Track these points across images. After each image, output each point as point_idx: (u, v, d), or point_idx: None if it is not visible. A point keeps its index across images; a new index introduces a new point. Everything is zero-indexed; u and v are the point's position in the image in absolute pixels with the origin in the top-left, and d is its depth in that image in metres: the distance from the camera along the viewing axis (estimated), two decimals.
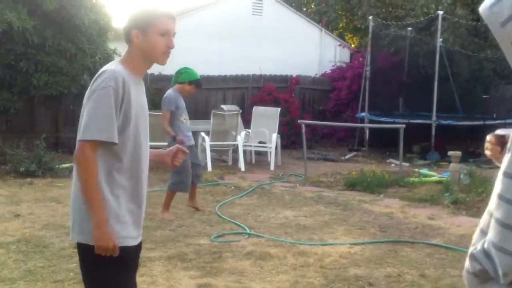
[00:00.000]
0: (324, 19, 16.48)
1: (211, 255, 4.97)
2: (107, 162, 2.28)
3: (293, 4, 17.21)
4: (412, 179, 9.06)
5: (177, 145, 2.70)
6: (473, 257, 1.51)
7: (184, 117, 6.42)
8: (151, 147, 2.57)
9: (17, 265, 4.55)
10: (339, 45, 15.38)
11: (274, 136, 10.39)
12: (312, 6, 19.42)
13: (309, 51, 14.64)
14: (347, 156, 11.95)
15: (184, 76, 6.44)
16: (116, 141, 2.24)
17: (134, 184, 2.37)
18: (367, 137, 12.83)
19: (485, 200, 6.34)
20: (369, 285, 4.35)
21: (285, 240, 5.48)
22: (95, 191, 2.22)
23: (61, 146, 10.36)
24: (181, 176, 6.21)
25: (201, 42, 12.67)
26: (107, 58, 9.59)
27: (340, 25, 18.65)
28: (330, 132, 14.00)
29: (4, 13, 8.52)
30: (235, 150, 10.29)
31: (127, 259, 2.38)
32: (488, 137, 1.77)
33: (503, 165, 1.44)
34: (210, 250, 5.11)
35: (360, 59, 14.33)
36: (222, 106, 11.69)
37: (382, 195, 8.00)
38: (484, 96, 12.87)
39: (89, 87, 2.32)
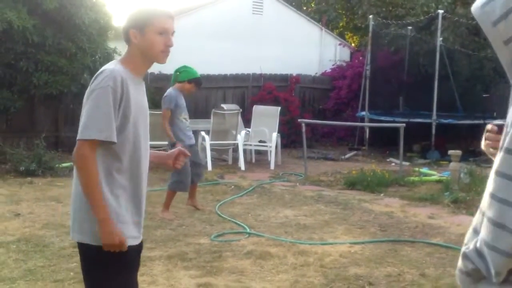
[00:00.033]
0: (324, 18, 16.47)
1: (211, 254, 4.97)
2: (106, 162, 2.28)
3: (293, 3, 17.21)
4: (412, 178, 9.06)
5: (179, 147, 2.69)
6: (465, 256, 1.51)
7: (184, 116, 6.41)
8: (151, 146, 2.57)
9: (17, 265, 4.55)
10: (339, 44, 15.38)
11: (274, 135, 10.39)
12: (312, 5, 19.41)
13: (309, 50, 14.64)
14: (347, 155, 11.95)
15: (184, 75, 6.43)
16: (115, 140, 2.24)
17: (134, 184, 2.37)
18: (367, 136, 12.83)
19: None
20: (369, 284, 4.35)
21: (285, 240, 5.48)
22: (96, 190, 2.22)
23: (61, 145, 10.36)
24: (180, 176, 6.21)
25: (201, 41, 12.66)
26: (107, 57, 9.59)
27: (340, 24, 18.65)
28: (330, 131, 14.00)
29: (4, 12, 8.51)
30: (235, 149, 10.29)
31: (128, 259, 2.38)
32: (490, 127, 1.74)
33: (495, 164, 1.44)
34: (210, 250, 5.11)
35: (360, 58, 14.32)
36: (222, 105, 11.69)
37: (382, 194, 8.00)
38: (484, 95, 12.85)
39: (88, 87, 2.32)
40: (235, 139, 10.17)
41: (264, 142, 10.69)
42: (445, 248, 5.34)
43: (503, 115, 1.55)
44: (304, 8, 19.05)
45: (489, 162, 1.58)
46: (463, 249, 1.53)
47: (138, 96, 2.38)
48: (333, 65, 14.80)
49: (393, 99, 13.59)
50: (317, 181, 9.01)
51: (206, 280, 4.33)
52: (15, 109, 9.42)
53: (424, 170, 9.97)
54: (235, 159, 10.32)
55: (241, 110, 10.96)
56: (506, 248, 1.37)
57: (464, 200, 7.28)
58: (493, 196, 1.41)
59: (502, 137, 1.47)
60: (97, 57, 9.76)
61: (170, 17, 2.37)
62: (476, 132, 11.05)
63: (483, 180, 7.73)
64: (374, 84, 12.94)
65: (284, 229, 5.92)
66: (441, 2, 14.17)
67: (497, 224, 1.38)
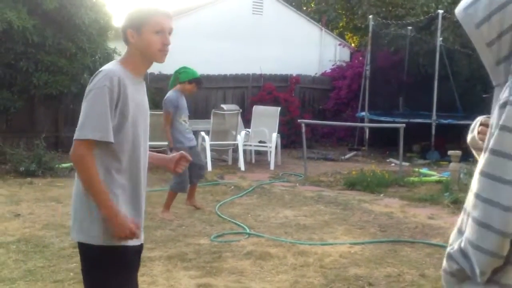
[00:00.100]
0: (324, 18, 16.47)
1: (211, 255, 4.97)
2: (105, 161, 2.29)
3: (293, 3, 17.21)
4: (412, 178, 9.06)
5: (181, 151, 2.70)
6: (450, 257, 1.52)
7: (183, 118, 6.41)
8: (151, 147, 2.58)
9: (17, 265, 4.55)
10: (339, 44, 15.38)
11: (274, 135, 10.39)
12: (312, 5, 19.42)
13: (309, 50, 14.64)
14: (347, 156, 11.95)
15: (184, 76, 6.43)
16: (111, 140, 2.24)
17: (133, 184, 2.38)
18: (367, 136, 12.83)
19: None
20: (369, 285, 4.35)
21: (285, 240, 5.48)
22: (97, 186, 2.23)
23: (61, 146, 10.35)
24: (181, 177, 6.21)
25: (201, 42, 12.66)
26: (107, 57, 9.59)
27: (340, 24, 18.65)
28: (330, 131, 14.00)
29: (4, 12, 8.51)
30: (235, 149, 10.29)
31: (128, 259, 2.39)
32: (484, 119, 1.75)
33: (480, 164, 1.45)
34: (210, 250, 5.11)
35: (360, 58, 14.32)
36: (222, 105, 11.70)
37: (382, 195, 8.00)
38: (484, 95, 12.84)
39: (87, 87, 2.33)
40: (235, 139, 10.17)
41: (264, 142, 10.69)
42: (445, 248, 5.31)
43: None
44: (304, 8, 19.05)
45: None
46: (448, 249, 1.55)
47: (138, 96, 2.38)
48: (333, 65, 14.80)
49: (393, 99, 13.60)
50: (317, 181, 9.01)
51: (206, 280, 4.33)
52: (15, 109, 9.42)
53: (424, 170, 9.97)
54: (235, 160, 10.32)
55: (241, 110, 10.96)
56: (491, 248, 1.39)
57: (464, 200, 7.22)
58: (478, 196, 1.42)
59: (487, 137, 1.49)
60: (97, 57, 9.76)
61: (167, 16, 2.36)
62: None
63: None
64: (374, 84, 12.94)
65: (284, 230, 5.93)
66: (441, 2, 14.17)
67: (482, 224, 1.40)
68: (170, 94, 6.40)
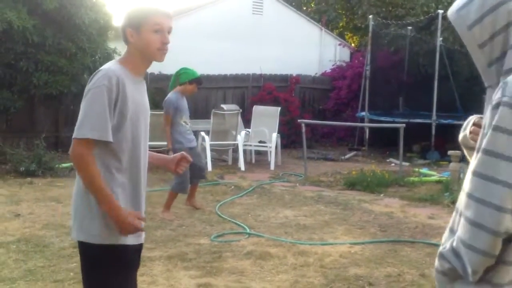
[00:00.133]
0: (324, 18, 16.48)
1: (211, 254, 4.97)
2: (105, 161, 2.29)
3: (293, 3, 17.21)
4: (412, 178, 9.06)
5: (182, 152, 2.70)
6: (442, 256, 1.54)
7: (184, 120, 6.43)
8: (151, 147, 2.58)
9: (17, 265, 4.55)
10: (339, 44, 15.38)
11: (274, 135, 10.39)
12: (312, 5, 19.42)
13: (309, 50, 14.64)
14: (347, 156, 11.95)
15: (184, 77, 6.44)
16: (110, 139, 2.24)
17: (133, 183, 2.38)
18: (367, 136, 12.83)
19: None
20: (369, 284, 4.35)
21: (285, 240, 5.48)
22: (98, 184, 2.23)
23: (61, 146, 10.34)
24: (182, 178, 6.21)
25: (201, 42, 12.66)
26: (107, 57, 9.59)
27: (340, 24, 18.65)
28: (330, 131, 14.00)
29: (4, 12, 8.51)
30: (235, 149, 10.29)
31: (128, 258, 2.39)
32: (476, 119, 1.76)
33: (472, 164, 1.47)
34: (210, 250, 5.11)
35: (360, 58, 14.32)
36: (222, 105, 11.69)
37: (382, 195, 8.00)
38: (484, 95, 12.83)
39: (86, 87, 2.33)
40: (235, 139, 10.17)
41: (264, 142, 10.69)
42: None
43: None
44: (304, 8, 19.05)
45: None
46: (440, 249, 1.56)
47: (137, 95, 2.38)
48: (333, 65, 14.79)
49: (393, 99, 13.60)
50: (317, 181, 9.01)
51: (206, 280, 4.33)
52: (15, 109, 9.42)
53: (424, 170, 9.97)
54: (235, 160, 10.32)
55: (241, 110, 10.96)
56: (483, 247, 1.40)
57: None
58: (470, 196, 1.44)
59: (479, 138, 1.50)
60: (97, 57, 9.76)
61: (166, 15, 2.36)
62: None
63: None
64: (374, 84, 12.94)
65: (284, 230, 5.93)
66: (441, 2, 14.17)
67: (474, 224, 1.41)
68: (170, 95, 6.42)
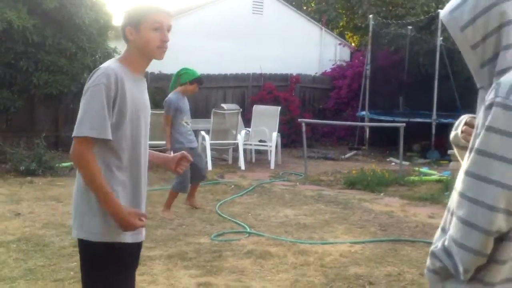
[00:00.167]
0: (324, 17, 16.48)
1: (211, 254, 4.97)
2: (105, 159, 2.30)
3: (293, 3, 17.21)
4: (412, 178, 9.07)
5: (182, 151, 2.69)
6: (433, 255, 1.55)
7: (185, 120, 6.44)
8: (151, 146, 2.58)
9: (17, 264, 4.55)
10: (339, 44, 15.38)
11: (274, 134, 10.39)
12: (312, 5, 19.42)
13: (309, 50, 14.64)
14: (347, 155, 11.95)
15: (184, 77, 6.46)
16: (108, 137, 2.25)
17: (133, 181, 2.38)
18: (367, 135, 12.83)
19: None
20: (369, 284, 4.35)
21: (285, 239, 5.48)
22: (98, 182, 2.23)
23: (61, 145, 10.34)
24: (183, 177, 6.22)
25: (201, 41, 12.66)
26: (107, 57, 9.58)
27: (340, 24, 18.65)
28: (330, 130, 14.00)
29: (4, 11, 8.51)
30: (235, 149, 10.29)
31: (127, 256, 2.40)
32: (469, 119, 1.77)
33: (465, 164, 1.49)
34: (210, 249, 5.11)
35: (360, 57, 14.31)
36: (222, 105, 11.69)
37: (382, 194, 8.00)
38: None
39: (85, 85, 2.33)
40: (235, 138, 10.18)
41: (264, 141, 10.69)
42: None
43: None
44: (304, 7, 19.05)
45: None
46: (432, 247, 1.58)
47: (137, 93, 2.37)
48: (333, 64, 14.79)
49: (393, 98, 13.60)
50: (317, 180, 9.01)
51: (206, 279, 4.33)
52: (15, 108, 9.42)
53: (424, 169, 9.98)
54: (235, 159, 10.32)
55: (241, 109, 10.96)
56: (475, 246, 1.42)
57: None
58: (463, 195, 1.45)
59: (472, 138, 1.52)
60: (97, 56, 9.76)
61: (165, 13, 2.36)
62: None
63: None
64: (374, 83, 12.94)
65: (284, 229, 5.93)
66: (442, 2, 14.17)
67: (467, 223, 1.43)
68: (170, 96, 6.44)
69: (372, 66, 12.98)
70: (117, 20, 10.43)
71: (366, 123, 12.45)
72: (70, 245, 4.91)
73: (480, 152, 1.43)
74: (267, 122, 10.94)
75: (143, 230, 2.47)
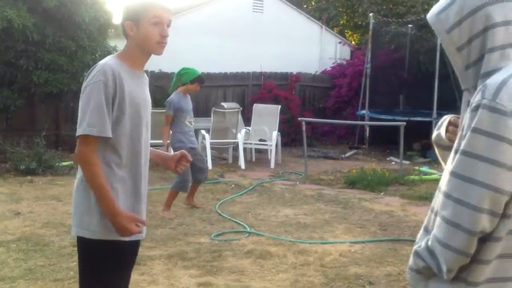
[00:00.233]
0: (324, 16, 16.45)
1: (211, 253, 4.97)
2: (105, 156, 2.30)
3: (293, 1, 17.17)
4: (412, 177, 9.06)
5: (182, 150, 2.69)
6: (417, 254, 1.58)
7: (188, 120, 6.47)
8: (152, 145, 2.57)
9: (17, 264, 4.55)
10: (340, 42, 15.36)
11: (275, 133, 10.38)
12: (313, 3, 19.40)
13: (310, 48, 14.63)
14: (348, 154, 11.94)
15: (185, 77, 6.48)
16: (109, 135, 2.25)
17: (133, 178, 2.38)
18: (367, 134, 12.82)
19: None
20: (369, 283, 4.35)
21: (285, 239, 5.48)
22: (99, 183, 2.23)
23: (61, 144, 10.35)
24: (183, 176, 6.22)
25: (201, 40, 12.65)
26: (108, 55, 9.53)
27: (341, 22, 18.63)
28: (331, 129, 13.98)
29: (4, 10, 8.49)
30: (235, 148, 10.28)
31: (125, 254, 2.41)
32: (453, 119, 1.79)
33: (450, 165, 1.51)
34: (210, 249, 5.11)
35: (361, 56, 14.29)
36: (222, 103, 11.68)
37: (382, 193, 8.00)
38: None
39: (83, 83, 2.33)
40: (235, 137, 10.17)
41: (264, 140, 10.69)
42: None
43: None
44: (304, 6, 19.03)
45: None
46: (415, 247, 1.60)
47: (136, 89, 2.37)
48: (333, 63, 14.77)
49: (394, 97, 13.58)
50: (317, 180, 9.01)
51: (206, 279, 4.33)
52: (15, 107, 9.41)
53: (424, 169, 9.97)
54: (235, 158, 10.31)
55: (241, 108, 10.95)
56: (459, 246, 1.45)
57: None
58: (448, 196, 1.48)
59: (457, 139, 1.54)
60: (97, 55, 9.74)
61: (165, 8, 2.36)
62: None
63: None
64: (375, 82, 12.92)
65: (284, 228, 5.92)
66: None
67: (451, 223, 1.46)
68: (171, 97, 6.48)
69: (373, 64, 12.96)
70: (117, 18, 10.43)
71: (366, 122, 12.44)
72: (70, 245, 4.91)
73: (465, 153, 1.45)
74: (267, 121, 10.93)
75: (144, 229, 2.46)
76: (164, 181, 8.12)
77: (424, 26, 13.62)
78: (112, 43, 10.19)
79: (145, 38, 2.32)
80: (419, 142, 12.22)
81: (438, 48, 11.83)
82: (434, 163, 10.88)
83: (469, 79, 1.59)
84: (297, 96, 13.64)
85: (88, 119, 2.22)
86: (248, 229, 5.80)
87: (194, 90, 6.57)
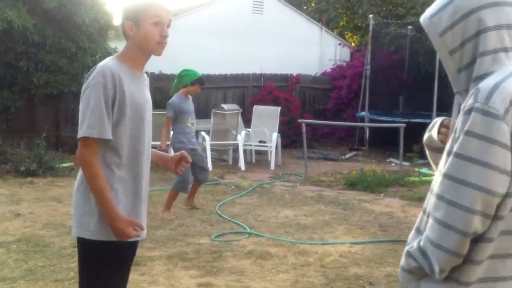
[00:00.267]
0: (324, 17, 16.47)
1: (211, 254, 4.97)
2: (105, 157, 2.30)
3: (293, 3, 17.19)
4: (412, 178, 9.07)
5: (182, 151, 2.69)
6: (409, 255, 1.62)
7: (191, 121, 6.50)
8: (152, 146, 2.57)
9: (18, 265, 4.56)
10: (340, 44, 15.37)
11: (275, 135, 10.38)
12: (313, 5, 19.42)
13: (310, 49, 14.63)
14: (348, 156, 11.95)
15: (186, 79, 6.51)
16: (109, 137, 2.25)
17: (134, 179, 2.38)
18: (367, 136, 12.82)
19: None
20: (369, 284, 4.36)
21: (285, 240, 5.48)
22: (99, 185, 2.24)
23: (61, 145, 10.35)
24: (183, 176, 6.22)
25: (202, 41, 12.66)
26: (108, 57, 9.56)
27: (341, 24, 18.64)
28: (331, 131, 13.98)
29: (4, 11, 8.50)
30: (236, 149, 10.29)
31: (124, 254, 2.42)
32: (445, 121, 1.83)
33: (442, 167, 1.54)
34: (211, 250, 5.11)
35: (361, 57, 14.29)
36: (223, 105, 11.69)
37: (382, 195, 8.00)
38: None
39: (83, 85, 2.34)
40: (235, 139, 10.17)
41: (264, 142, 10.69)
42: None
43: None
44: (304, 7, 19.04)
45: None
46: (407, 248, 1.64)
47: (136, 89, 2.36)
48: (333, 65, 14.78)
49: (393, 99, 13.58)
50: (317, 181, 9.01)
51: (206, 280, 4.33)
52: (16, 109, 9.41)
53: (424, 170, 9.97)
54: (235, 159, 10.32)
55: (241, 110, 10.96)
56: (451, 247, 1.47)
57: None
58: (440, 197, 1.50)
59: (450, 141, 1.57)
60: (97, 56, 9.75)
61: (165, 8, 2.36)
62: None
63: None
64: (374, 84, 12.93)
65: (284, 229, 5.93)
66: None
67: (444, 224, 1.48)
68: (173, 98, 6.52)
69: (372, 66, 12.96)
70: (117, 20, 10.42)
71: (366, 124, 12.45)
72: (70, 246, 4.91)
73: (458, 155, 1.48)
74: (267, 122, 10.93)
75: (145, 229, 2.47)
76: (164, 182, 8.12)
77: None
78: (112, 44, 10.20)
79: (145, 38, 2.32)
80: (419, 144, 12.18)
81: None
82: None
83: (461, 82, 1.62)
84: (297, 97, 13.64)
85: (88, 121, 2.23)
86: (248, 230, 5.80)
87: (194, 91, 6.60)
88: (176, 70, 6.75)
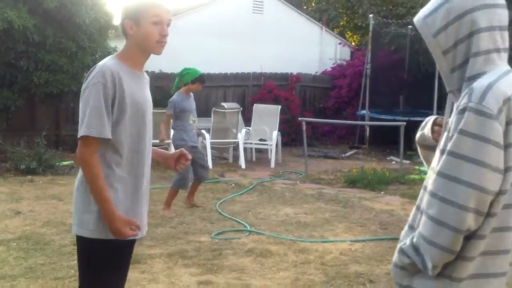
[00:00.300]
0: (324, 17, 16.47)
1: (211, 252, 4.98)
2: (105, 156, 2.30)
3: (293, 2, 17.20)
4: (412, 176, 9.07)
5: (182, 149, 2.69)
6: (402, 251, 1.64)
7: (192, 119, 6.53)
8: (152, 144, 2.57)
9: (18, 262, 4.56)
10: (340, 43, 15.37)
11: (275, 133, 10.39)
12: (313, 4, 19.42)
13: (310, 49, 14.63)
14: (348, 154, 11.95)
15: (187, 77, 6.54)
16: (108, 136, 2.25)
17: (134, 178, 2.38)
18: (367, 134, 12.83)
19: None
20: (369, 282, 4.36)
21: (285, 237, 5.48)
22: (99, 186, 2.24)
23: (61, 144, 10.37)
24: (183, 174, 6.23)
25: (202, 40, 12.66)
26: (107, 56, 9.56)
27: (341, 23, 18.65)
28: (331, 129, 13.99)
29: (4, 11, 8.51)
30: (236, 147, 10.29)
31: (124, 253, 2.43)
32: (438, 120, 1.84)
33: (436, 165, 1.57)
34: (211, 247, 5.11)
35: (361, 57, 14.30)
36: (223, 104, 11.69)
37: (382, 192, 8.00)
38: None
39: (83, 85, 2.34)
40: (235, 137, 10.18)
41: (265, 140, 10.69)
42: None
43: None
44: (305, 7, 19.05)
45: None
46: (400, 244, 1.67)
47: (137, 88, 2.36)
48: (333, 64, 14.78)
49: (394, 97, 13.58)
50: (318, 179, 9.01)
51: (207, 277, 4.33)
52: (16, 108, 9.42)
53: (425, 168, 9.96)
54: (236, 158, 10.32)
55: (241, 108, 10.96)
56: (444, 244, 1.50)
57: None
58: (434, 195, 1.53)
59: (443, 139, 1.59)
60: (97, 56, 9.75)
61: (165, 7, 2.36)
62: None
63: None
64: (375, 83, 12.93)
65: (284, 227, 5.93)
66: None
67: (437, 221, 1.51)
68: (174, 96, 6.57)
69: (373, 65, 12.97)
70: (117, 19, 10.42)
71: (367, 122, 12.44)
72: (71, 244, 4.91)
73: (452, 154, 1.50)
74: (267, 121, 10.94)
75: (144, 228, 2.47)
76: (164, 180, 8.13)
77: None
78: (112, 44, 10.20)
79: (145, 37, 2.32)
80: None
81: None
82: None
83: (454, 82, 1.63)
84: (298, 96, 13.64)
85: (87, 120, 2.23)
86: (249, 228, 5.80)
87: (195, 90, 6.63)
88: (176, 69, 6.76)
